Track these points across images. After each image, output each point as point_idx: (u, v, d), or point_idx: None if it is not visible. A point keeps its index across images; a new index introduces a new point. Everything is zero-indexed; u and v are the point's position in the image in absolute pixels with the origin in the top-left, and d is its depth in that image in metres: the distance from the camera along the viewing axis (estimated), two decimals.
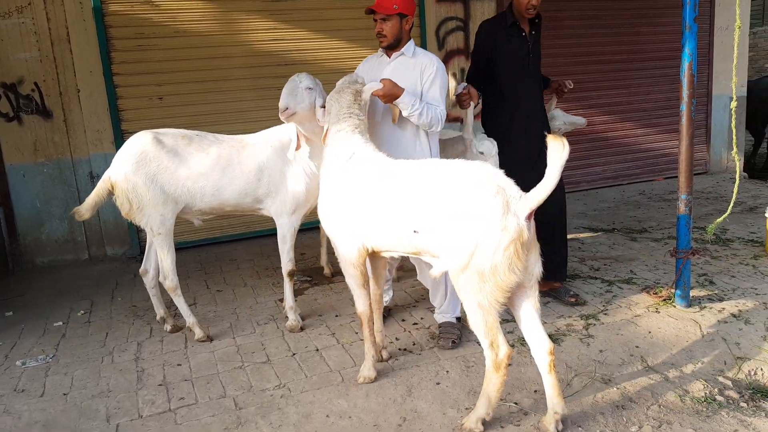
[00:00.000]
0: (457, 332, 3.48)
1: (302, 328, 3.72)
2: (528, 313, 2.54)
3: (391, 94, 3.14)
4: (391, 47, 3.40)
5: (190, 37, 5.52)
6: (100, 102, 5.35)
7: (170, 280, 3.59)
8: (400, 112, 3.24)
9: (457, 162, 2.58)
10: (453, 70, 6.62)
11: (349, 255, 2.93)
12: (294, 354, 3.42)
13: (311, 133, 3.46)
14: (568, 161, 2.28)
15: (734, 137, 3.22)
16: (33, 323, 4.11)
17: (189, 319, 3.67)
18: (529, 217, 2.34)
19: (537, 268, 2.46)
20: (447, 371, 3.14)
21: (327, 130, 3.06)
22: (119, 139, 5.44)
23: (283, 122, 3.39)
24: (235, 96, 5.70)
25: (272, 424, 2.73)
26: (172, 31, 5.47)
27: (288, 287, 3.76)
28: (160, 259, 3.59)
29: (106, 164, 5.38)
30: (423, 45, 6.38)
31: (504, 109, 3.81)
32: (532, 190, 2.34)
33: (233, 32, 5.66)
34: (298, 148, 3.49)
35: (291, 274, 3.75)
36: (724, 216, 3.69)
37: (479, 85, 3.75)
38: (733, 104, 3.30)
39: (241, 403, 2.93)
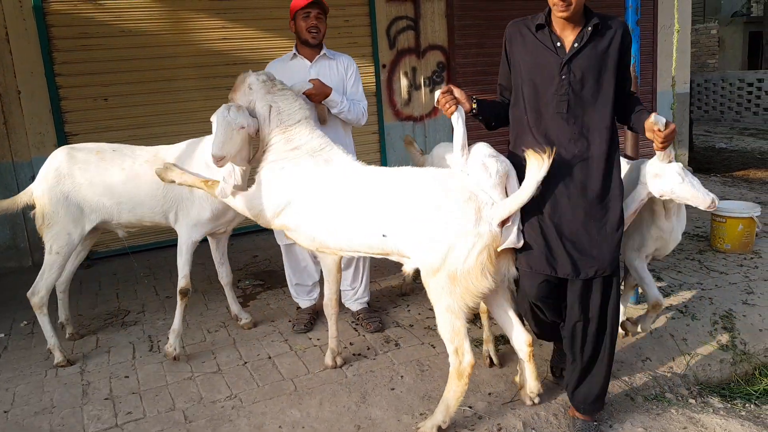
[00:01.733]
0: (377, 315, 3.78)
1: (175, 358, 3.37)
2: (503, 309, 2.71)
3: (321, 92, 3.25)
4: (317, 46, 3.49)
5: (136, 36, 5.37)
6: (42, 103, 5.15)
7: (39, 298, 3.46)
8: (329, 111, 3.38)
9: (432, 169, 2.69)
10: (405, 69, 6.62)
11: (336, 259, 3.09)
12: (246, 362, 3.38)
13: (239, 160, 2.92)
14: None
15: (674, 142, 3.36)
16: None
17: (50, 341, 3.46)
18: (501, 225, 2.43)
19: (510, 272, 2.59)
20: (401, 376, 3.15)
21: (271, 129, 2.83)
22: (62, 142, 5.24)
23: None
24: (182, 96, 5.58)
25: None
26: (117, 31, 5.30)
27: (179, 308, 3.40)
28: (41, 273, 3.47)
29: None
30: (374, 44, 6.38)
31: (521, 144, 2.57)
32: (506, 199, 2.44)
33: (180, 32, 5.53)
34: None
35: (183, 293, 3.40)
36: None
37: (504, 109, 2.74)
38: (674, 105, 3.48)
39: (191, 416, 2.87)
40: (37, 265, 5.29)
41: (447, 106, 2.49)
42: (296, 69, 3.48)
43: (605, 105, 2.47)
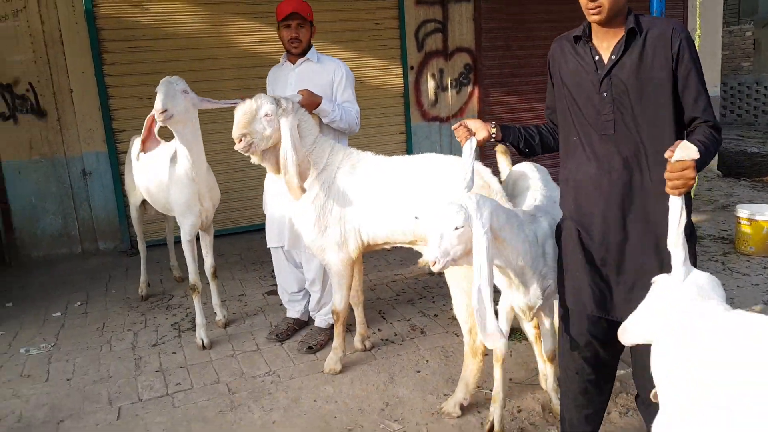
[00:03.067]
0: (319, 339, 3.62)
1: (204, 347, 3.63)
2: None
3: (310, 102, 3.19)
4: (303, 53, 3.49)
5: (178, 39, 5.70)
6: (91, 102, 5.52)
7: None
8: (320, 120, 3.31)
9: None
10: (432, 71, 6.85)
11: (345, 256, 3.10)
12: (282, 344, 3.67)
13: (186, 138, 3.36)
14: None
15: None
16: (32, 314, 4.30)
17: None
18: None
19: None
20: (427, 360, 3.40)
21: (303, 153, 3.00)
22: (110, 138, 5.62)
23: (160, 123, 3.28)
24: (221, 96, 5.72)
25: (263, 408, 2.98)
26: (161, 34, 5.64)
27: (196, 305, 3.68)
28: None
29: (99, 162, 5.63)
30: (402, 47, 6.62)
31: (574, 170, 2.26)
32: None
33: (219, 34, 5.85)
34: (144, 149, 3.62)
35: (191, 288, 3.70)
36: None
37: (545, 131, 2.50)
38: None
39: (234, 388, 3.18)
40: (87, 252, 5.70)
41: (461, 138, 2.37)
42: (283, 74, 3.54)
43: (660, 124, 2.09)
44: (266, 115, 2.89)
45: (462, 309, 2.77)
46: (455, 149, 6.78)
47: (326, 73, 3.46)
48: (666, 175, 1.81)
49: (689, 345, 1.54)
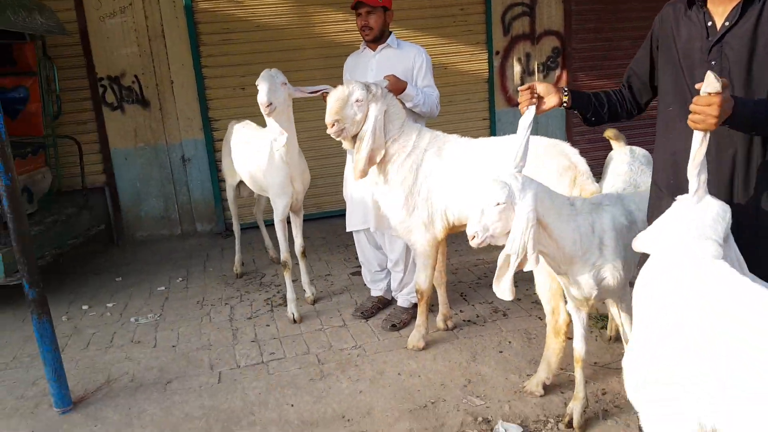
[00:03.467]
0: (402, 317, 3.70)
1: (295, 321, 3.84)
2: None
3: (397, 87, 3.26)
4: (376, 40, 3.55)
5: (269, 30, 5.96)
6: (190, 92, 5.88)
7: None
8: (403, 104, 3.36)
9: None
10: (518, 55, 6.76)
11: (431, 237, 3.18)
12: (367, 320, 3.81)
13: (283, 126, 3.56)
14: None
15: None
16: (139, 287, 4.68)
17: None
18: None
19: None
20: (509, 342, 3.44)
21: (392, 137, 3.12)
22: (207, 126, 5.97)
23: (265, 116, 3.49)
24: (310, 84, 6.04)
25: (351, 378, 3.13)
26: (253, 26, 5.92)
27: (287, 280, 3.90)
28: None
29: (196, 149, 5.99)
30: (488, 31, 6.58)
31: (671, 142, 2.16)
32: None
33: (308, 25, 6.06)
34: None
35: (283, 265, 3.90)
36: None
37: (639, 97, 2.38)
38: None
39: (323, 359, 3.35)
40: (186, 233, 6.10)
41: (523, 104, 2.27)
42: (363, 60, 3.64)
43: (761, 95, 1.93)
44: (357, 101, 3.01)
45: (544, 290, 2.79)
46: (542, 134, 6.73)
47: (406, 58, 3.53)
48: (690, 107, 1.76)
49: (671, 281, 1.64)
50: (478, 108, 6.77)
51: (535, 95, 2.26)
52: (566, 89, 2.29)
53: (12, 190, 2.76)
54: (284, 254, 3.90)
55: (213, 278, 4.81)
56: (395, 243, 3.70)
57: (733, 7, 1.95)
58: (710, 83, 1.71)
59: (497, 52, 6.68)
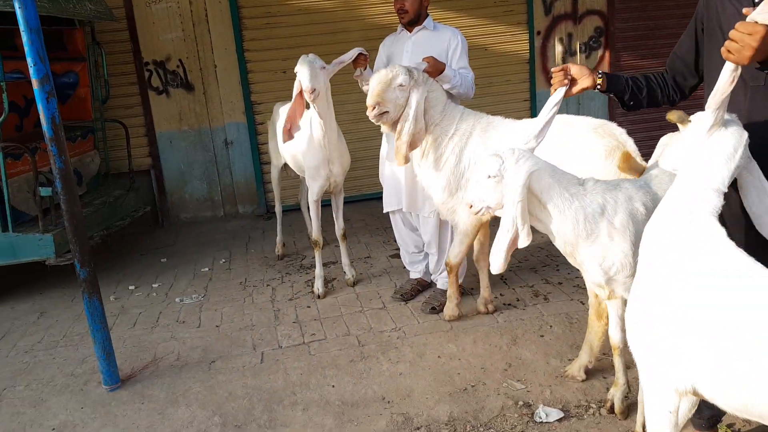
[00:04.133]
0: (442, 299, 3.67)
1: (319, 296, 3.97)
2: None
3: (437, 68, 3.26)
4: (412, 23, 3.54)
5: (311, 14, 5.97)
6: (233, 76, 5.96)
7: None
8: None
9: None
10: (560, 36, 6.61)
11: (474, 218, 3.17)
12: (407, 303, 3.83)
13: (323, 109, 3.59)
14: None
15: None
16: (184, 268, 4.81)
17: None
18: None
19: None
20: (550, 326, 3.42)
21: (434, 122, 3.17)
22: (249, 110, 6.04)
23: (310, 102, 3.50)
24: (351, 69, 6.10)
25: (391, 360, 3.16)
26: (295, 9, 5.93)
27: (317, 258, 4.04)
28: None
29: (239, 132, 6.07)
30: (529, 11, 6.45)
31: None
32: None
33: (349, 8, 6.04)
34: (290, 135, 3.62)
35: (314, 243, 4.04)
36: None
37: (682, 82, 2.27)
38: None
39: (363, 340, 3.39)
40: (228, 215, 6.21)
41: (555, 85, 2.22)
42: (400, 42, 3.65)
43: None
44: (400, 86, 3.04)
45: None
46: (583, 115, 6.46)
47: (442, 41, 3.53)
48: (730, 33, 1.61)
49: (666, 238, 1.72)
50: (518, 89, 6.66)
51: (568, 77, 2.21)
52: (601, 72, 2.22)
53: (65, 173, 2.85)
54: (316, 233, 4.01)
55: (255, 260, 4.90)
56: (427, 224, 3.73)
57: None
58: (763, 12, 1.54)
59: (538, 33, 6.55)
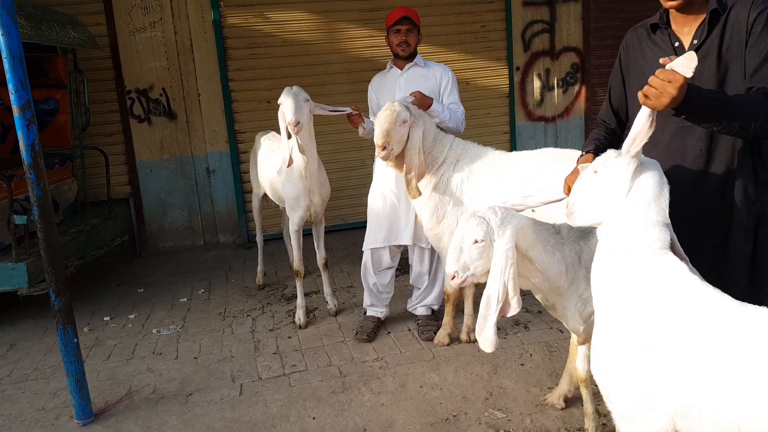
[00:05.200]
0: (436, 325, 3.72)
1: (305, 325, 3.94)
2: None
3: (424, 103, 3.34)
4: (407, 58, 3.62)
5: (295, 45, 6.03)
6: (217, 105, 5.97)
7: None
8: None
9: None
10: (538, 71, 6.78)
11: None
12: (389, 332, 3.81)
13: (304, 141, 3.59)
14: None
15: None
16: (161, 298, 4.72)
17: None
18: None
19: None
20: (530, 354, 3.41)
21: (426, 150, 3.22)
22: (232, 139, 6.04)
23: (293, 135, 3.50)
24: (335, 99, 6.13)
25: (373, 391, 3.12)
26: (280, 41, 6.00)
27: (298, 287, 4.02)
28: None
29: (221, 161, 6.07)
30: (509, 47, 6.61)
31: None
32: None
33: (333, 40, 6.12)
34: (289, 164, 3.60)
35: (296, 273, 4.03)
36: None
37: (615, 134, 2.34)
38: None
39: (345, 371, 3.35)
40: (209, 244, 6.15)
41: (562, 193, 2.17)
42: (390, 79, 3.70)
43: None
44: (404, 122, 3.13)
45: None
46: (560, 147, 6.56)
47: (434, 77, 3.62)
48: (650, 80, 1.65)
49: (622, 275, 1.65)
50: (499, 122, 6.78)
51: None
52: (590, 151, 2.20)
53: (43, 201, 2.82)
54: (297, 263, 4.00)
55: (235, 290, 4.84)
56: (425, 258, 3.77)
57: (699, 25, 1.96)
58: (683, 65, 1.58)
59: (517, 68, 6.71)
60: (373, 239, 3.78)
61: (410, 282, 3.92)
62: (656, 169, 1.72)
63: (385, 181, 3.70)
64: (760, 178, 1.98)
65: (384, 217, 3.73)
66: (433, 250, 3.72)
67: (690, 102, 1.67)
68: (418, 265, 3.80)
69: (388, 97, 3.58)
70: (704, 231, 2.06)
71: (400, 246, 3.79)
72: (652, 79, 1.65)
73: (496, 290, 1.95)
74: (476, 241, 2.00)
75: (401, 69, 3.67)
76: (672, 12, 2.01)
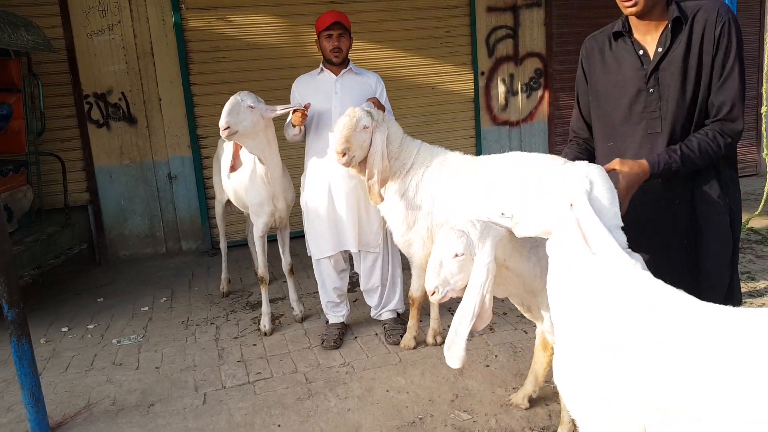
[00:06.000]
0: (402, 328, 3.71)
1: (266, 334, 3.87)
2: None
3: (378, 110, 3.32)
4: (341, 63, 3.58)
5: (259, 49, 5.97)
6: (178, 109, 5.86)
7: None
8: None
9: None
10: (503, 76, 6.86)
11: (429, 252, 3.17)
12: (356, 337, 3.78)
13: (258, 150, 3.51)
14: None
15: (764, 140, 3.46)
16: (122, 308, 4.60)
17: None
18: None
19: None
20: (495, 355, 3.43)
21: (393, 156, 3.21)
22: (195, 143, 5.94)
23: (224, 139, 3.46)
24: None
25: (339, 396, 3.09)
26: (243, 44, 5.93)
27: (263, 294, 3.93)
28: None
29: (184, 166, 5.95)
30: (473, 53, 6.67)
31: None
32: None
33: (298, 44, 6.08)
34: (233, 169, 3.60)
35: (260, 280, 3.95)
36: (756, 213, 3.93)
37: (588, 152, 2.38)
38: (764, 109, 3.53)
39: (311, 377, 3.30)
40: (171, 252, 6.03)
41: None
42: (323, 83, 3.61)
43: (690, 119, 2.01)
44: (364, 127, 3.09)
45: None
46: (526, 151, 6.66)
47: (368, 84, 3.63)
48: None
49: (581, 281, 1.61)
50: (464, 126, 6.83)
51: None
52: None
53: None
54: (261, 270, 3.92)
55: (198, 297, 4.75)
56: (376, 268, 3.75)
57: (661, 34, 2.00)
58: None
59: (482, 73, 6.77)
60: (322, 248, 3.70)
61: (361, 288, 3.90)
62: (604, 175, 1.70)
63: (322, 186, 3.60)
64: (722, 175, 2.05)
65: (327, 224, 3.63)
66: (385, 254, 3.74)
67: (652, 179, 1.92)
68: (369, 271, 3.78)
69: (323, 100, 3.54)
70: (674, 233, 2.10)
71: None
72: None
73: (472, 304, 1.91)
74: (456, 255, 1.96)
75: (336, 74, 3.60)
76: (633, 20, 2.04)
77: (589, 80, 2.26)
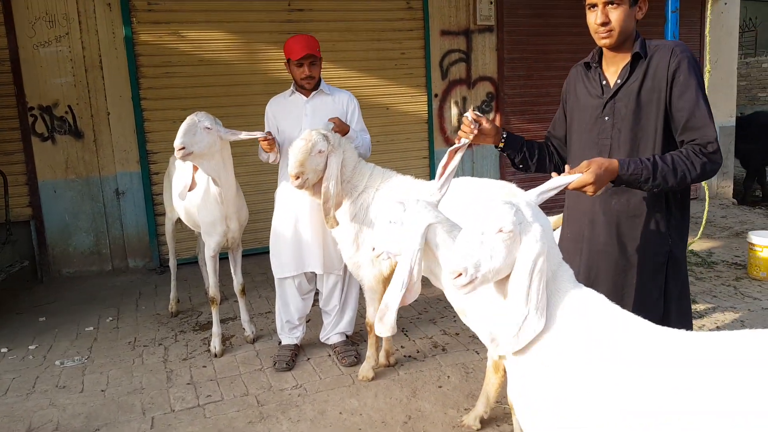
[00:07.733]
0: (354, 349, 3.77)
1: (221, 354, 3.82)
2: None
3: (342, 130, 3.37)
4: (314, 88, 3.59)
5: (212, 65, 5.93)
6: (128, 124, 5.74)
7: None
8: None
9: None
10: (455, 99, 7.02)
11: (377, 273, 3.31)
12: (309, 359, 3.76)
13: (213, 171, 3.51)
14: None
15: None
16: (65, 328, 4.44)
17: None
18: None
19: None
20: (448, 376, 3.47)
21: (346, 179, 3.24)
22: (144, 159, 5.82)
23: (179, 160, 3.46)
24: (253, 120, 6.00)
25: (291, 419, 3.07)
26: (196, 60, 5.87)
27: (214, 314, 3.86)
28: None
29: (132, 182, 5.84)
30: (428, 75, 6.80)
31: (581, 206, 2.34)
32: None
33: (252, 61, 6.07)
34: (191, 188, 3.57)
35: (211, 300, 3.88)
36: (696, 238, 4.10)
37: (563, 153, 2.49)
38: None
39: (263, 400, 3.27)
40: (117, 269, 5.87)
41: (465, 131, 2.19)
42: (294, 105, 3.61)
43: (645, 149, 2.13)
44: (320, 152, 3.11)
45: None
46: (477, 174, 6.84)
47: (339, 104, 3.64)
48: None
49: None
50: (418, 147, 6.94)
51: (475, 130, 2.17)
52: (505, 133, 2.29)
53: None
54: (213, 290, 3.87)
55: (146, 317, 4.63)
56: (336, 290, 3.77)
57: (623, 66, 2.16)
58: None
59: (436, 95, 6.91)
60: (285, 267, 3.69)
61: (321, 307, 3.88)
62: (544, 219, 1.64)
63: (290, 207, 3.63)
64: (673, 217, 2.21)
65: (291, 244, 3.64)
66: (345, 277, 3.75)
67: (618, 181, 1.97)
68: (330, 293, 3.78)
69: (294, 123, 3.56)
70: (624, 260, 2.24)
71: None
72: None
73: (400, 274, 1.93)
74: (390, 222, 1.95)
75: (306, 96, 3.61)
76: (606, 51, 2.19)
77: (567, 102, 2.40)
